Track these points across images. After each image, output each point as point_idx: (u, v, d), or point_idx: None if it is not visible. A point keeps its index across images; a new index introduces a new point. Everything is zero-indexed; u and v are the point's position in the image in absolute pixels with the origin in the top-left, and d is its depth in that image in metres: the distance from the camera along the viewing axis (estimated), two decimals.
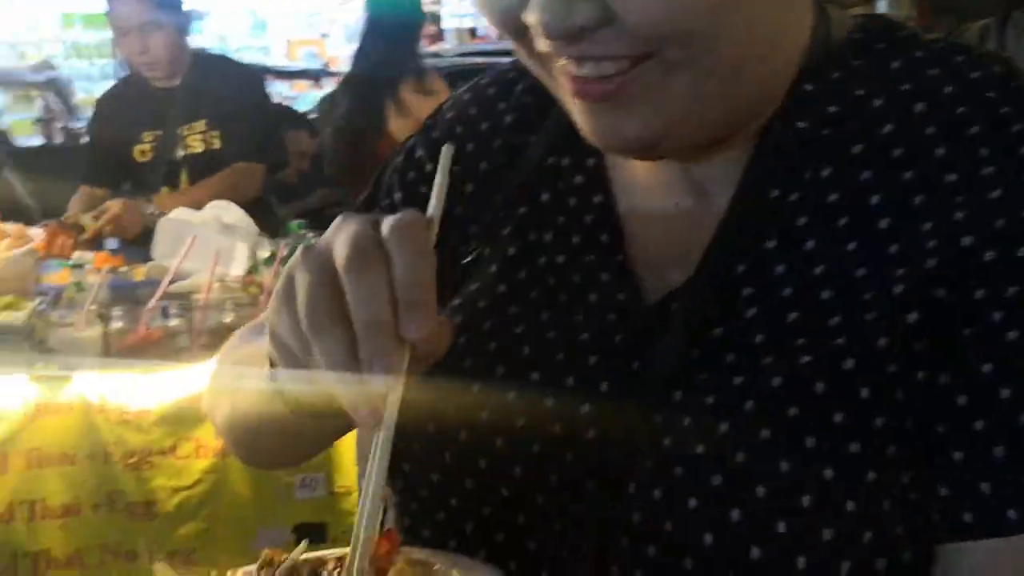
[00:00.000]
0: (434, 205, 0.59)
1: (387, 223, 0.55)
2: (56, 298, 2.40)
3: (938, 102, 0.63)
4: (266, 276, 2.59)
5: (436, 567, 0.61)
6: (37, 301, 2.26)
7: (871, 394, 0.59)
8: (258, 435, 0.81)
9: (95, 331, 2.23)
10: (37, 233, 2.44)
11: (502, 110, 0.79)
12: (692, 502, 0.59)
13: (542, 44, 0.60)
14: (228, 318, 2.29)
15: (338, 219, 0.58)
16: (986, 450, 0.59)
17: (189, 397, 2.21)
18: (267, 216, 3.18)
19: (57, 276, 2.52)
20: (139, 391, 2.19)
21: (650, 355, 0.65)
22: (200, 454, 2.24)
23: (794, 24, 0.65)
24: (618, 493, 0.62)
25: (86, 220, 2.90)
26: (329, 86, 9.65)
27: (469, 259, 0.76)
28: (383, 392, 0.53)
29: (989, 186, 0.60)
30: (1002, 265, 0.58)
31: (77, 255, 2.53)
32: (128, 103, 3.25)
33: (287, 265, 0.58)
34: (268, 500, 2.29)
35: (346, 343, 0.53)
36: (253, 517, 2.29)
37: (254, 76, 3.53)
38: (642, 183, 0.71)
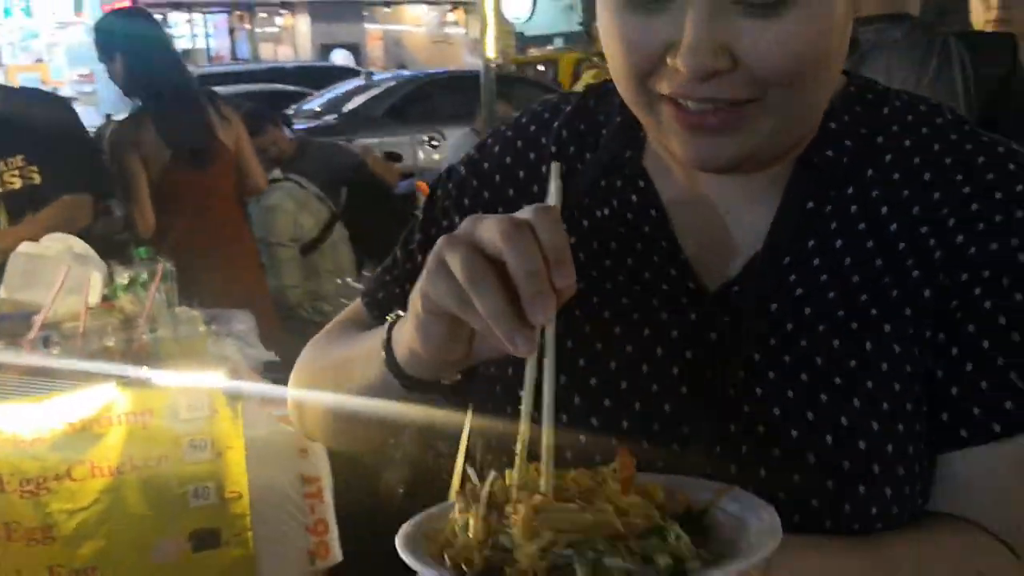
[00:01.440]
0: (555, 197, 0.72)
1: (528, 209, 0.69)
2: None
3: (919, 140, 0.87)
4: (124, 301, 2.68)
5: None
6: None
7: (902, 349, 0.82)
8: (359, 421, 0.95)
9: None
10: None
11: (544, 144, 0.97)
12: (794, 432, 0.81)
13: (666, 86, 0.78)
14: (111, 342, 2.39)
15: (470, 219, 0.71)
16: (973, 381, 0.82)
17: (81, 420, 2.30)
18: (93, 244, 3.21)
19: None
20: (31, 419, 2.25)
21: (722, 327, 0.84)
22: (95, 474, 2.32)
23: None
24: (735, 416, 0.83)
25: None
26: None
27: None
28: (539, 326, 0.67)
29: (966, 202, 0.83)
30: (989, 270, 0.82)
31: None
32: None
33: (436, 250, 0.71)
34: (163, 512, 2.40)
35: (504, 294, 0.66)
36: (150, 529, 2.38)
37: (67, 107, 3.52)
38: (691, 198, 0.90)
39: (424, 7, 27.95)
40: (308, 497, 2.58)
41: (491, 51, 7.30)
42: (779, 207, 0.86)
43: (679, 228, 0.90)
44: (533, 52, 15.11)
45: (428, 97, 9.88)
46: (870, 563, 0.78)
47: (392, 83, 10.45)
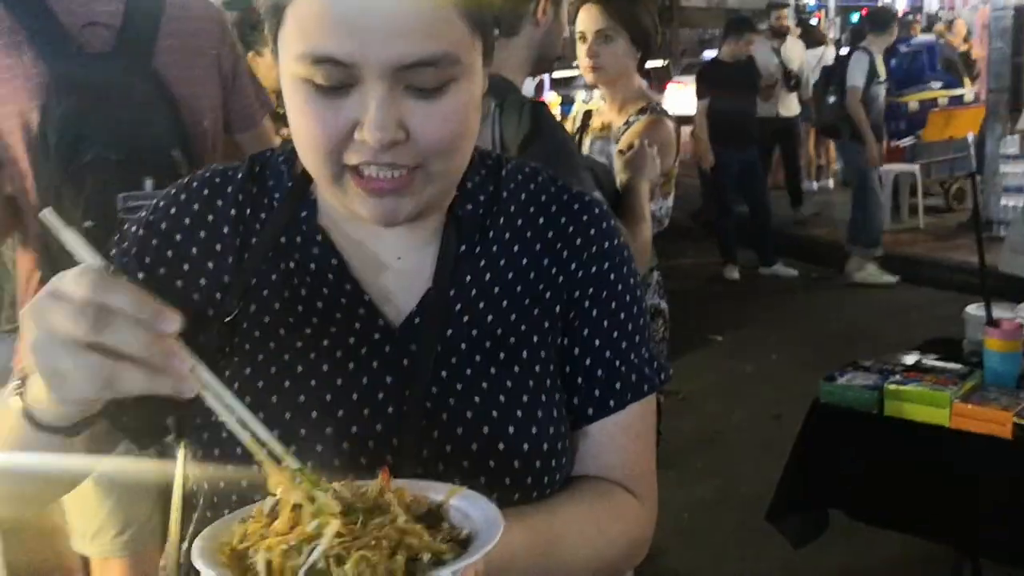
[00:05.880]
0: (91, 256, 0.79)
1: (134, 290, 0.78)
2: None
3: (530, 194, 1.11)
4: None
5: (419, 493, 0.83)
6: None
7: (546, 353, 1.05)
8: (16, 480, 0.96)
9: None
10: None
11: (220, 206, 1.07)
12: (485, 428, 1.00)
13: (354, 157, 0.92)
14: None
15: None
16: (592, 371, 1.07)
17: None
18: None
19: None
20: None
21: (411, 354, 1.01)
22: None
23: None
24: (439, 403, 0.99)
25: None
26: None
27: (232, 316, 1.02)
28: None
29: (571, 238, 1.09)
30: (592, 287, 1.08)
31: None
32: None
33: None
34: None
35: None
36: None
37: None
38: (364, 249, 1.05)
39: None
40: None
41: None
42: (439, 253, 1.06)
43: (359, 275, 1.05)
44: None
45: None
46: (546, 528, 1.00)
47: None
